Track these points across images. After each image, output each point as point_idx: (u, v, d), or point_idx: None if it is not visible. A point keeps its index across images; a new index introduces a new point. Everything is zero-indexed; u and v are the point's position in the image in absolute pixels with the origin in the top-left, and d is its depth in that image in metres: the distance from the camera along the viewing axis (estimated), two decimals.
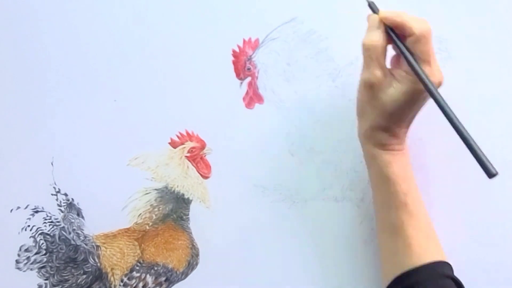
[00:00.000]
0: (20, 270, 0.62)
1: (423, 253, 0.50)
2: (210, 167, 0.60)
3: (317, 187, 0.60)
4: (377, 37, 0.48)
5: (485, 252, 0.58)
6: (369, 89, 0.49)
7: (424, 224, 0.51)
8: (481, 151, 0.42)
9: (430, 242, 0.51)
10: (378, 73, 0.48)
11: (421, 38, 0.46)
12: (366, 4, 0.50)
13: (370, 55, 0.48)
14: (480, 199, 0.58)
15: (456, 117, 0.44)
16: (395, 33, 0.48)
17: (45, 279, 0.62)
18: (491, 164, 0.41)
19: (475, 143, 0.43)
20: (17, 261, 0.62)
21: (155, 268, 0.61)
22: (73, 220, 0.62)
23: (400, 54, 0.49)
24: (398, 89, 0.48)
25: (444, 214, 0.58)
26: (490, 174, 0.41)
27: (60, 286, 0.62)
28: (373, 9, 0.50)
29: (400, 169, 0.51)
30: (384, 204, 0.52)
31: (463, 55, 0.57)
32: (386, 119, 0.50)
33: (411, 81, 0.47)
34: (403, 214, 0.50)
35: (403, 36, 0.48)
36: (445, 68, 0.57)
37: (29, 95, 0.62)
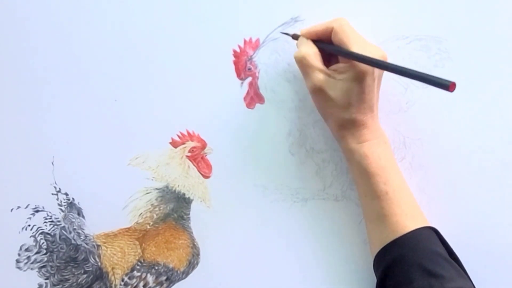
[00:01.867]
0: (21, 270, 0.62)
1: (408, 229, 0.51)
2: (211, 166, 0.61)
3: (317, 187, 0.60)
4: (304, 48, 0.53)
5: (485, 252, 0.58)
6: (319, 93, 0.53)
7: (408, 207, 0.52)
8: (430, 75, 0.44)
9: (415, 221, 0.52)
10: (319, 75, 0.52)
11: (339, 28, 0.52)
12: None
13: (305, 63, 0.53)
14: (480, 199, 0.58)
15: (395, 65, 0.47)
16: (319, 41, 0.54)
17: (46, 279, 0.62)
18: (443, 79, 0.42)
19: (420, 72, 0.45)
20: (18, 261, 0.62)
21: (156, 268, 0.61)
22: (73, 220, 0.62)
23: (335, 54, 0.54)
24: (344, 79, 0.51)
25: (444, 214, 0.58)
26: (446, 86, 0.42)
27: (61, 286, 0.62)
28: (296, 36, 0.56)
29: (378, 159, 0.52)
30: (367, 194, 0.54)
31: (463, 55, 0.58)
32: (347, 112, 0.52)
33: (351, 66, 0.50)
34: (385, 203, 0.52)
35: (330, 40, 0.53)
36: (444, 68, 0.58)
37: (30, 94, 0.62)
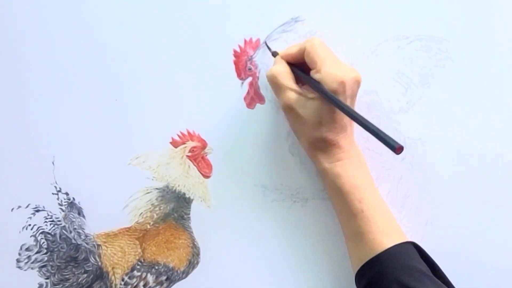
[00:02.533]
0: (21, 269, 0.62)
1: (385, 246, 0.51)
2: (211, 166, 0.61)
3: (317, 187, 0.60)
4: (276, 67, 0.54)
5: (485, 252, 0.58)
6: (290, 111, 0.53)
7: (384, 225, 0.52)
8: (381, 132, 0.44)
9: (392, 237, 0.51)
10: (290, 94, 0.53)
11: (310, 48, 0.52)
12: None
13: (276, 82, 0.54)
14: (480, 199, 0.58)
15: (350, 108, 0.48)
16: (292, 64, 0.55)
17: (46, 278, 0.62)
18: (393, 139, 0.43)
19: (374, 126, 0.45)
20: (18, 260, 0.62)
21: (156, 267, 0.61)
22: (74, 219, 0.62)
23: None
24: (314, 97, 0.51)
25: (444, 214, 0.58)
26: (394, 148, 0.42)
27: (61, 285, 0.62)
28: (275, 54, 0.57)
29: (351, 178, 0.52)
30: (343, 213, 0.54)
31: (463, 55, 0.58)
32: (317, 131, 0.52)
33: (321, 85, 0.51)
34: (361, 221, 0.52)
35: (304, 63, 0.54)
36: (444, 68, 0.58)
37: (31, 94, 0.62)
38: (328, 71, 0.50)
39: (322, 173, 0.54)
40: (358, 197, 0.52)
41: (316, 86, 0.51)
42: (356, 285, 0.54)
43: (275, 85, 0.54)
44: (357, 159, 0.54)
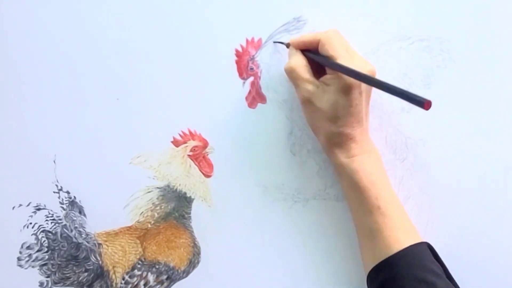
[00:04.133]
0: (22, 268, 0.62)
1: (401, 245, 0.51)
2: (212, 166, 0.61)
3: (318, 187, 0.60)
4: (294, 59, 0.54)
5: (485, 252, 0.58)
6: (308, 104, 0.53)
7: (400, 222, 0.52)
8: (405, 90, 0.44)
9: (409, 236, 0.52)
10: (308, 87, 0.53)
11: (325, 40, 0.52)
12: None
13: (295, 75, 0.54)
14: (481, 200, 0.58)
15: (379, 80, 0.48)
16: (308, 50, 0.55)
17: (47, 277, 0.62)
18: (419, 96, 0.43)
19: (396, 86, 0.45)
20: (19, 259, 0.62)
21: (157, 266, 0.61)
22: (75, 218, 0.62)
23: (323, 65, 0.53)
24: (331, 91, 0.51)
25: (445, 215, 0.58)
26: (422, 104, 0.42)
27: (62, 284, 0.62)
28: (287, 44, 0.57)
29: (368, 174, 0.52)
30: (359, 209, 0.53)
31: (465, 56, 0.58)
32: (335, 125, 0.52)
33: (338, 78, 0.50)
34: (378, 217, 0.51)
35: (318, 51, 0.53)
36: (446, 69, 0.58)
37: (32, 92, 0.62)
38: (343, 63, 0.50)
39: (339, 168, 0.54)
40: (374, 193, 0.52)
41: (332, 64, 0.51)
42: (368, 284, 0.53)
43: (294, 78, 0.54)
44: (373, 154, 0.54)
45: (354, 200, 0.54)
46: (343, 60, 0.51)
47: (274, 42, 0.58)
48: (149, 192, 0.61)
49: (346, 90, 0.50)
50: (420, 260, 0.50)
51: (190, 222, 0.61)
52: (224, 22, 0.59)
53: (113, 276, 0.62)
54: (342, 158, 0.53)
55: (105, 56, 0.61)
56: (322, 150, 0.57)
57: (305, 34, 0.56)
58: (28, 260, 0.62)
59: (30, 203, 0.62)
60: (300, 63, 0.54)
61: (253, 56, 0.59)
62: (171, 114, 0.60)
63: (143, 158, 0.61)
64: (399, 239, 0.50)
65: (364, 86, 0.51)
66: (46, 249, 0.62)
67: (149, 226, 0.62)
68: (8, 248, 0.62)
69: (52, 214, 0.62)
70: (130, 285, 0.62)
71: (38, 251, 0.62)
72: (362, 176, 0.52)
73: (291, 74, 0.54)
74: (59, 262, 0.62)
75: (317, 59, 0.54)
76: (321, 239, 0.60)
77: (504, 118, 0.58)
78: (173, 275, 0.61)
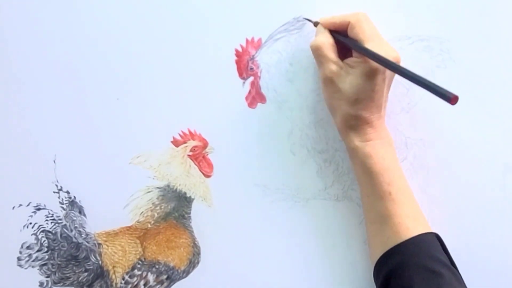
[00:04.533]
0: (22, 268, 0.62)
1: (410, 233, 0.51)
2: (212, 166, 0.61)
3: (318, 187, 0.60)
4: (321, 37, 0.54)
5: (486, 252, 0.58)
6: (330, 84, 0.53)
7: (410, 209, 0.52)
8: (435, 84, 0.44)
9: (418, 224, 0.52)
10: (332, 66, 0.52)
11: (355, 23, 0.52)
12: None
13: (320, 54, 0.53)
14: (481, 200, 0.58)
15: (407, 70, 0.47)
16: (336, 32, 0.54)
17: (47, 277, 0.62)
18: (447, 90, 0.43)
19: (426, 79, 0.45)
20: (19, 259, 0.62)
21: (157, 266, 0.61)
22: (75, 218, 0.62)
23: (349, 48, 0.53)
24: (355, 73, 0.51)
25: (444, 214, 0.58)
26: (449, 98, 0.42)
27: (62, 284, 0.62)
28: (315, 23, 0.56)
29: (381, 160, 0.52)
30: (370, 195, 0.53)
31: (465, 56, 0.58)
32: (354, 108, 0.52)
33: (363, 62, 0.50)
34: (388, 203, 0.52)
35: (347, 33, 0.53)
36: (446, 69, 0.58)
37: (32, 92, 0.62)
38: (372, 48, 0.50)
39: (352, 152, 0.54)
40: (387, 179, 0.52)
41: (360, 47, 0.50)
42: (374, 274, 0.53)
43: (318, 56, 0.53)
44: (387, 141, 0.54)
45: (365, 185, 0.54)
46: (371, 44, 0.50)
47: (304, 18, 0.58)
48: (149, 192, 0.61)
49: (371, 75, 0.50)
50: (429, 249, 0.50)
51: (190, 222, 0.61)
52: (224, 22, 0.59)
53: (113, 276, 0.62)
54: (357, 141, 0.53)
55: (105, 56, 0.61)
56: (337, 131, 0.56)
57: (335, 16, 0.55)
58: (28, 260, 0.62)
59: (30, 203, 0.62)
60: (327, 41, 0.53)
61: (253, 56, 0.59)
62: (171, 114, 0.60)
63: (143, 158, 0.61)
64: (409, 227, 0.51)
65: (388, 72, 0.51)
66: (46, 249, 0.62)
67: (149, 226, 0.62)
68: (8, 248, 0.62)
69: (52, 214, 0.62)
70: (130, 285, 0.62)
71: (38, 251, 0.62)
72: (375, 160, 0.52)
73: (316, 51, 0.53)
74: (59, 262, 0.62)
75: (345, 41, 0.53)
76: (321, 239, 0.60)
77: (504, 118, 0.58)
78: (173, 275, 0.61)
